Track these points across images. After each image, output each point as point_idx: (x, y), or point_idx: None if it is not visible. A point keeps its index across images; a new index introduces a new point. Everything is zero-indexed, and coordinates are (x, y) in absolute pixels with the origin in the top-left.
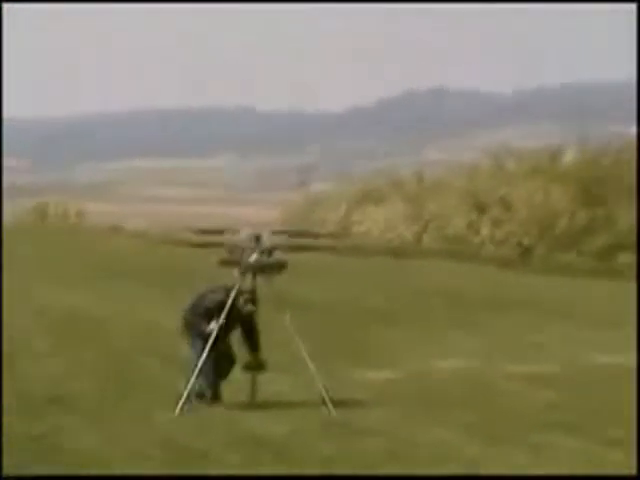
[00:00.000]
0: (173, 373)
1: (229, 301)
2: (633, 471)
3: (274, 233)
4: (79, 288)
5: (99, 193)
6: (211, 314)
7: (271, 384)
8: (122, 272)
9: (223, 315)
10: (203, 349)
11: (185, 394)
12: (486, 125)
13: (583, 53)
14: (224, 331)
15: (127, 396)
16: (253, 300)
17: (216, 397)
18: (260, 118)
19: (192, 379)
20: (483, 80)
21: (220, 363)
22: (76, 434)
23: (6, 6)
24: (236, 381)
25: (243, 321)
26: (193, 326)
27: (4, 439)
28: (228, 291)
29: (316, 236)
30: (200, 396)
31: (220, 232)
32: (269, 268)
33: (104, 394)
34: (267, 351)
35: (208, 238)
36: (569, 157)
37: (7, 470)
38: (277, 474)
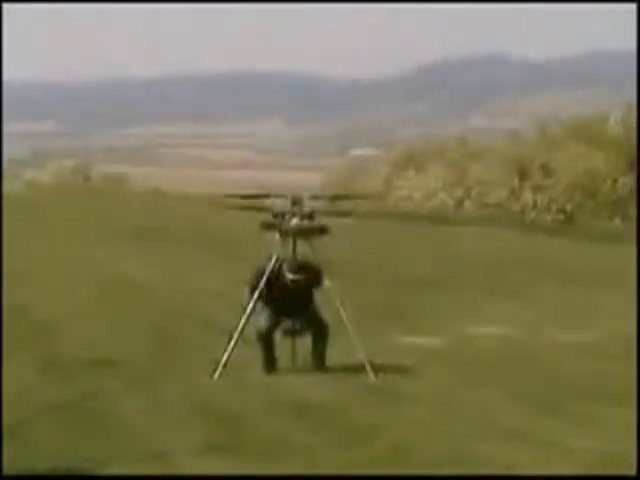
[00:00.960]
0: (215, 338)
1: (269, 267)
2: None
3: (314, 197)
4: (121, 251)
5: (139, 157)
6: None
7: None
8: (164, 236)
9: (262, 282)
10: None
11: (224, 359)
12: (532, 92)
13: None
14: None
15: (168, 360)
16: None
17: (270, 366)
18: (305, 84)
19: (231, 343)
20: (529, 47)
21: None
22: (117, 398)
23: None
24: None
25: (286, 287)
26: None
27: (42, 402)
28: (279, 260)
29: (356, 198)
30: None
31: (264, 196)
32: (310, 232)
33: (146, 358)
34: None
35: (252, 202)
36: (613, 123)
37: (47, 430)
38: (287, 474)
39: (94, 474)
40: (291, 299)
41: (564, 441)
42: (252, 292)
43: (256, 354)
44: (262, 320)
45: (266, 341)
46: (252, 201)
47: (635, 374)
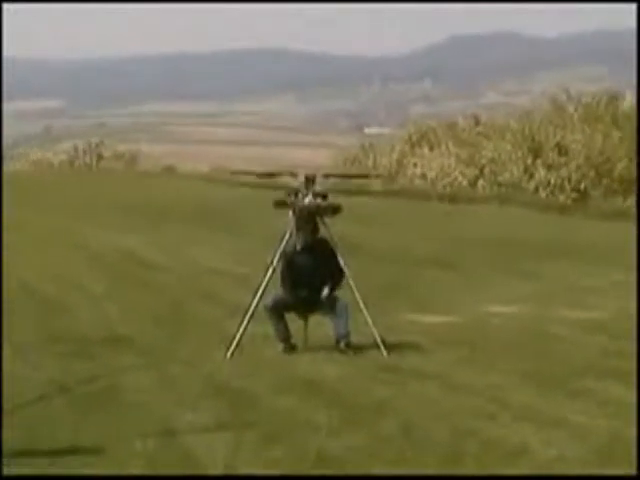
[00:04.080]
0: (224, 315)
1: (282, 245)
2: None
3: (327, 176)
4: (133, 231)
5: (149, 135)
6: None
7: (323, 327)
8: (177, 215)
9: (276, 260)
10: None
11: (237, 337)
12: (544, 69)
13: None
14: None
15: (180, 339)
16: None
17: (285, 343)
18: (316, 61)
19: (244, 322)
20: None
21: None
22: (128, 375)
23: None
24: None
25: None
26: None
27: (52, 381)
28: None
29: (369, 177)
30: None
31: (277, 175)
32: (323, 211)
33: (156, 335)
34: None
35: (265, 181)
36: (628, 101)
37: (59, 409)
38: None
39: (100, 474)
40: (305, 276)
41: (574, 419)
42: (266, 270)
43: (269, 331)
44: (273, 296)
45: (275, 314)
46: (264, 179)
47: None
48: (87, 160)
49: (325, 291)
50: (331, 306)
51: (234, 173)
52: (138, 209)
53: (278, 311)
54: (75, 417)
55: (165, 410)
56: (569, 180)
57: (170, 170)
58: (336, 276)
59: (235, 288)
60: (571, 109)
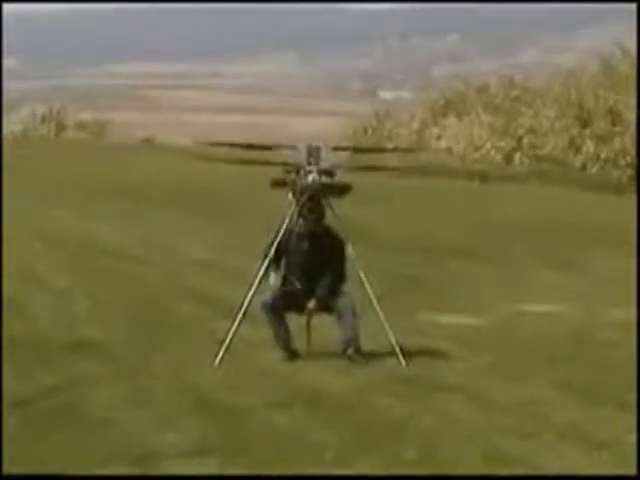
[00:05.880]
0: (210, 316)
1: (280, 232)
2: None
3: (335, 149)
4: (102, 216)
5: (121, 100)
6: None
7: (330, 329)
8: (155, 197)
9: (272, 250)
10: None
11: (227, 342)
12: (591, 22)
13: None
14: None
15: (158, 344)
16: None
17: (285, 349)
18: (321, 13)
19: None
20: None
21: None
22: (96, 387)
23: None
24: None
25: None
26: None
27: (9, 393)
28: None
29: (385, 151)
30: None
31: (273, 148)
32: (329, 191)
33: (132, 341)
34: None
35: (259, 155)
36: None
37: (14, 427)
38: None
39: (98, 474)
40: (306, 268)
41: (621, 440)
42: (262, 261)
43: (266, 334)
44: (272, 292)
45: (275, 315)
46: (257, 154)
47: None
48: (45, 131)
49: (328, 285)
50: (336, 304)
51: (214, 145)
52: (108, 189)
53: (278, 311)
54: (32, 437)
55: (140, 430)
56: (623, 154)
57: (146, 143)
58: (342, 268)
59: (224, 283)
60: (625, 68)
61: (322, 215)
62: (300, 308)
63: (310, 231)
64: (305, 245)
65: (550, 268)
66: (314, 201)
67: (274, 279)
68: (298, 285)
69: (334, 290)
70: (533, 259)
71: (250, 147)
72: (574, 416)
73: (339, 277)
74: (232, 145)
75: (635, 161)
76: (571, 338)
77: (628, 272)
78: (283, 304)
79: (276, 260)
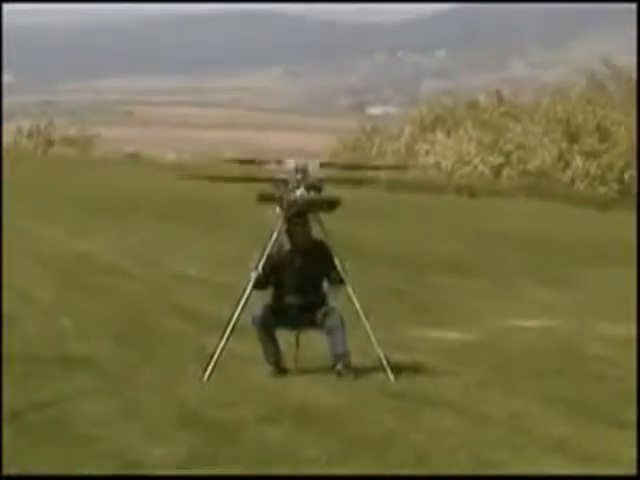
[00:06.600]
0: (199, 331)
1: (269, 246)
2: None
3: (323, 165)
4: (90, 230)
5: (109, 116)
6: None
7: (319, 345)
8: (142, 211)
9: (260, 264)
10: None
11: (216, 356)
12: (581, 36)
13: None
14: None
15: (147, 358)
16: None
17: (274, 364)
18: (310, 28)
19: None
20: None
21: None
22: (84, 402)
23: None
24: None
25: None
26: None
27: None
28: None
29: (373, 169)
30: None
31: (261, 163)
32: (318, 206)
33: (120, 356)
34: None
35: (245, 170)
36: None
37: (5, 443)
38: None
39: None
40: (295, 283)
41: (610, 455)
42: (251, 276)
43: (255, 349)
44: (262, 307)
45: (265, 331)
46: (250, 168)
47: None
48: (32, 145)
49: (319, 300)
50: (325, 319)
51: (234, 162)
52: (97, 205)
53: (268, 327)
54: (19, 451)
55: (129, 444)
56: (611, 169)
57: (133, 158)
58: (333, 282)
59: (213, 299)
60: (613, 85)
61: (309, 230)
62: (291, 324)
63: (299, 246)
64: (294, 260)
65: (540, 283)
66: (301, 216)
67: (264, 294)
68: (289, 301)
69: (326, 305)
70: (523, 274)
71: (243, 162)
72: (563, 430)
73: (336, 282)
74: (227, 161)
75: (621, 177)
76: (560, 353)
77: (617, 287)
78: (274, 319)
79: (265, 275)
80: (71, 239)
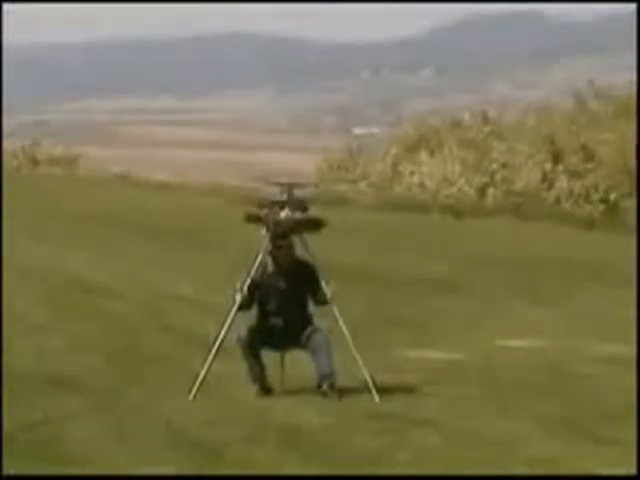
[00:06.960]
0: (188, 351)
1: (254, 267)
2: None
3: (308, 185)
4: (79, 249)
5: (95, 136)
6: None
7: (304, 365)
8: (131, 231)
9: (245, 285)
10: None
11: (202, 376)
12: (567, 56)
13: None
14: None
15: (135, 379)
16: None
17: (259, 385)
18: (295, 48)
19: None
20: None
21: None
22: (73, 423)
23: None
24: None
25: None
26: None
27: None
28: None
29: (358, 190)
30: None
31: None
32: (303, 226)
33: (108, 376)
34: None
35: (238, 191)
36: None
37: None
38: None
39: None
40: (280, 304)
41: (600, 473)
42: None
43: (240, 369)
44: (248, 328)
45: (250, 351)
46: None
47: None
48: (16, 164)
49: (304, 320)
50: (310, 339)
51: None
52: (85, 223)
53: (254, 346)
54: (20, 475)
55: (117, 463)
56: (596, 189)
57: (121, 177)
58: (318, 303)
59: (202, 319)
60: (597, 105)
61: (293, 251)
62: (276, 344)
63: (283, 267)
64: (278, 281)
65: (525, 303)
66: (286, 237)
67: (250, 314)
68: (273, 321)
69: (311, 326)
70: (508, 294)
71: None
72: (552, 449)
73: (321, 303)
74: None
75: (606, 197)
76: (549, 372)
77: (606, 306)
78: (259, 339)
79: (250, 295)
80: (61, 257)
